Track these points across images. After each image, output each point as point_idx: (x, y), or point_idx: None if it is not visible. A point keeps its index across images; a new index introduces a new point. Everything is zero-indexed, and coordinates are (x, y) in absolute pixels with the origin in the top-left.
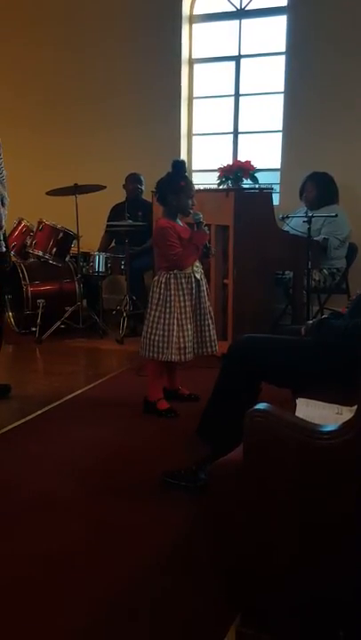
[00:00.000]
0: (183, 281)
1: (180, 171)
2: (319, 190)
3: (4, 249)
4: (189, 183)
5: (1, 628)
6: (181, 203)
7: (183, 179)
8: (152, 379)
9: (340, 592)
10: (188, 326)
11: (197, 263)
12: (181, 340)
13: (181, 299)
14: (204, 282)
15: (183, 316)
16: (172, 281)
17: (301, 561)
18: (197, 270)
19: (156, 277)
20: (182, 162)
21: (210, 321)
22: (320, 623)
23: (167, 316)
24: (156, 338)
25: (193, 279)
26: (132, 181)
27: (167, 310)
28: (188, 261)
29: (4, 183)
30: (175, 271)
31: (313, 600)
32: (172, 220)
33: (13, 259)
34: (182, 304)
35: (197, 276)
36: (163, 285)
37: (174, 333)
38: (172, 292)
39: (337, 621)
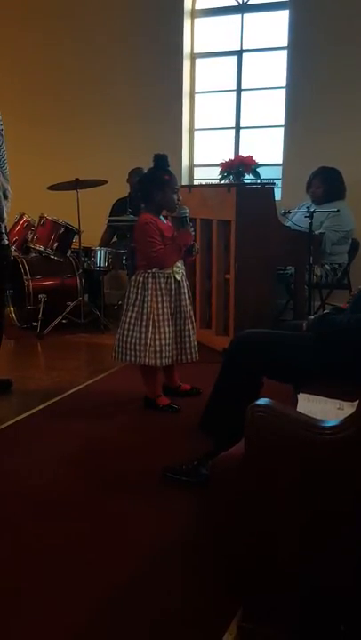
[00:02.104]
0: (162, 281)
1: (162, 165)
2: (326, 187)
3: (6, 242)
4: (173, 177)
5: (1, 623)
6: (167, 198)
7: (167, 172)
8: (146, 378)
9: (341, 586)
10: (166, 329)
11: (179, 264)
12: (157, 342)
13: (159, 299)
14: (185, 284)
15: (160, 318)
16: (150, 280)
17: (302, 556)
18: (178, 271)
19: (133, 277)
20: (164, 156)
21: (190, 326)
22: (321, 617)
23: (143, 317)
24: (133, 340)
25: (173, 280)
26: (135, 176)
27: (143, 312)
28: (168, 261)
29: (7, 176)
30: (154, 270)
31: (314, 594)
32: (156, 216)
33: (14, 253)
34: (159, 305)
35: (178, 277)
36: (140, 285)
37: (150, 336)
38: (150, 293)
39: (338, 615)
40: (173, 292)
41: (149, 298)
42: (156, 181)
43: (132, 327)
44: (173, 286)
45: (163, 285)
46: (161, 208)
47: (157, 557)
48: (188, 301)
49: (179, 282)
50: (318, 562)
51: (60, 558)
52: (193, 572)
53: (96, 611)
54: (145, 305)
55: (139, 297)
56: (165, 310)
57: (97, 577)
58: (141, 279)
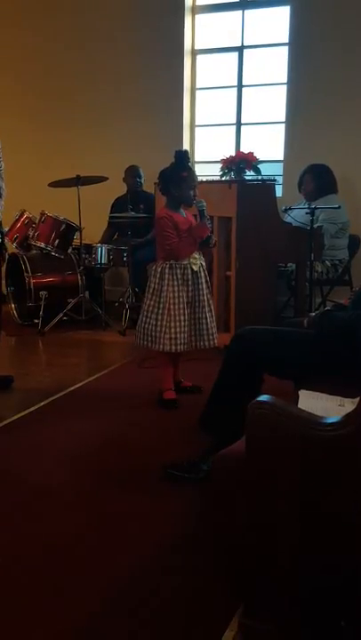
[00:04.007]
0: (178, 272)
1: (182, 161)
2: (316, 183)
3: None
4: (192, 174)
5: (1, 620)
6: (183, 193)
7: (185, 169)
8: (161, 369)
9: (341, 582)
10: (182, 317)
11: (197, 255)
12: (173, 330)
13: (176, 289)
14: (203, 274)
15: (176, 307)
16: (167, 271)
17: (303, 552)
18: (195, 262)
19: (152, 267)
20: (185, 152)
21: (208, 314)
22: (322, 613)
23: (160, 305)
24: (150, 327)
25: (189, 271)
26: (131, 175)
27: (160, 300)
28: (183, 253)
29: (2, 174)
30: (171, 261)
31: (315, 591)
32: (174, 210)
33: (14, 250)
34: (176, 294)
35: (195, 268)
36: (158, 275)
37: (165, 323)
38: (166, 282)
39: (339, 611)
40: (190, 282)
41: (166, 287)
42: (174, 178)
43: (149, 314)
44: (190, 276)
45: (179, 276)
46: (179, 203)
47: (158, 554)
48: (205, 290)
49: (196, 272)
50: (319, 558)
51: (59, 556)
52: (194, 569)
53: (97, 607)
54: (162, 294)
55: (156, 286)
56: (181, 299)
57: (96, 572)
58: (159, 269)
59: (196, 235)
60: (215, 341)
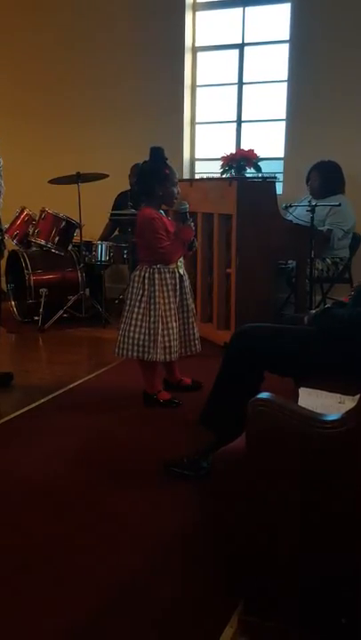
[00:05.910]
0: (168, 276)
1: (161, 158)
2: (323, 179)
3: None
4: (173, 170)
5: (0, 617)
6: (168, 192)
7: (166, 166)
8: (145, 372)
9: (341, 579)
10: (173, 324)
11: (180, 258)
12: (166, 338)
13: (166, 295)
14: (186, 277)
15: (167, 314)
16: (156, 276)
17: (302, 549)
18: (180, 265)
19: (136, 272)
20: (161, 149)
21: (193, 318)
22: (323, 610)
23: (152, 313)
24: (141, 337)
25: (177, 275)
26: (134, 174)
27: (152, 307)
28: (175, 256)
29: (1, 171)
30: (159, 266)
31: (315, 587)
32: (158, 210)
33: (14, 247)
34: (167, 301)
35: (181, 272)
36: (146, 281)
37: (159, 332)
38: (157, 289)
39: (339, 608)
40: (178, 287)
41: (157, 294)
42: (157, 175)
43: (138, 323)
44: (177, 281)
45: (169, 281)
46: (161, 202)
47: (158, 551)
48: (189, 294)
49: (181, 275)
50: (319, 554)
51: (59, 553)
52: (194, 566)
53: (96, 602)
54: (152, 301)
55: (145, 292)
56: (172, 305)
57: (96, 569)
58: (146, 274)
59: (184, 236)
60: (200, 346)
